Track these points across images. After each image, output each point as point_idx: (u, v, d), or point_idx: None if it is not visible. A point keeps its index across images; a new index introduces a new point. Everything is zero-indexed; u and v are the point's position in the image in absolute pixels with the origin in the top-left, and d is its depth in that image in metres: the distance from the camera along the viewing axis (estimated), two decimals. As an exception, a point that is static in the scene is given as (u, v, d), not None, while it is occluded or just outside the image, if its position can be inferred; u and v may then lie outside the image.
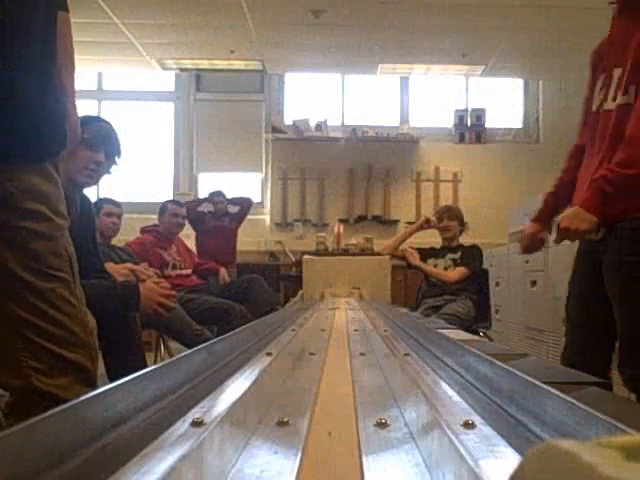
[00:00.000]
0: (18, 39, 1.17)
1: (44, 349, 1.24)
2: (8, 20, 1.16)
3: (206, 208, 5.60)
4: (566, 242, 2.09)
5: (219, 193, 5.59)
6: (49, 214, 1.27)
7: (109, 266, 3.38)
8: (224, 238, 5.43)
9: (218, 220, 5.51)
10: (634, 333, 1.90)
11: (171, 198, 5.25)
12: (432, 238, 4.34)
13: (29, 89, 1.19)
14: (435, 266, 4.01)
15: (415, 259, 4.01)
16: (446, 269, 3.97)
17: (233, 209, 5.66)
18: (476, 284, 3.92)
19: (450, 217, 4.14)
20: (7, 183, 1.20)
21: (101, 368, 2.46)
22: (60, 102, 1.26)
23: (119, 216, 3.86)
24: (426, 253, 4.13)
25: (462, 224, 4.14)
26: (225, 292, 4.02)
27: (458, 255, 3.98)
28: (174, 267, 4.11)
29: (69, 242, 1.33)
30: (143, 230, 4.28)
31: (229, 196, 5.66)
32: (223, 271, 4.37)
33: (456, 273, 3.89)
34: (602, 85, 2.08)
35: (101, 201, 3.88)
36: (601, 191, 1.85)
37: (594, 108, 2.09)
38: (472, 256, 3.99)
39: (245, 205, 5.75)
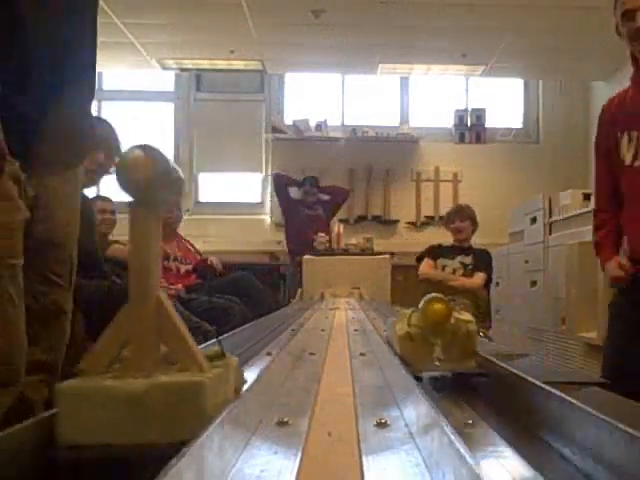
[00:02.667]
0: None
1: None
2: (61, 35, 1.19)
3: (296, 195, 5.68)
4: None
5: (311, 181, 5.64)
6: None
7: (115, 247, 3.51)
8: (319, 228, 5.47)
9: (310, 209, 5.57)
10: None
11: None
12: (438, 236, 4.34)
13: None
14: (444, 267, 4.00)
15: (438, 275, 3.99)
16: (454, 271, 3.96)
17: (323, 197, 5.72)
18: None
19: (462, 218, 4.11)
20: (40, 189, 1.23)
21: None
22: None
23: (112, 212, 3.84)
24: (436, 252, 4.10)
25: (474, 223, 4.11)
26: (220, 291, 4.02)
27: (469, 259, 3.97)
28: (175, 259, 4.14)
29: (75, 248, 1.36)
30: None
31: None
32: (213, 259, 4.36)
33: (479, 280, 3.90)
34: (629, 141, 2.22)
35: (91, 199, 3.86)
36: None
37: (627, 163, 2.20)
38: (487, 262, 4.01)
39: (335, 194, 5.75)
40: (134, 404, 0.45)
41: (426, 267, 4.07)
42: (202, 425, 0.42)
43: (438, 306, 0.84)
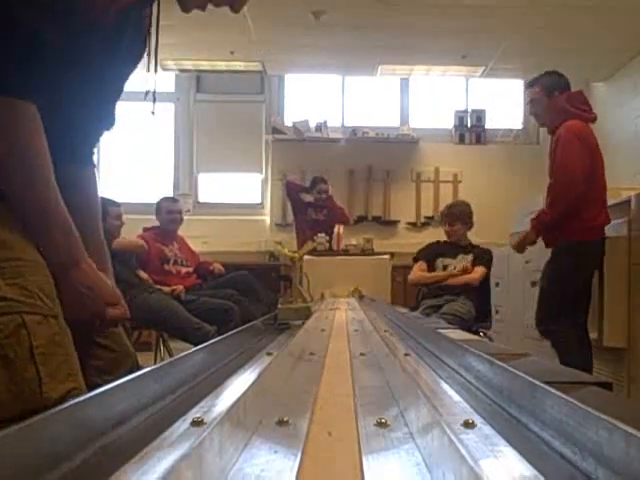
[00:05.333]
0: None
1: (101, 346, 1.27)
2: None
3: (306, 198, 5.81)
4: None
5: (322, 179, 5.78)
6: None
7: (118, 241, 3.60)
8: (325, 231, 5.55)
9: (319, 212, 5.76)
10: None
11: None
12: (437, 236, 4.31)
13: None
14: (445, 267, 3.94)
15: (429, 277, 3.95)
16: (455, 269, 3.90)
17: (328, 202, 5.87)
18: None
19: (451, 222, 4.04)
20: None
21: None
22: None
23: (121, 216, 3.88)
24: (434, 252, 4.04)
25: (466, 223, 4.04)
26: (220, 291, 4.02)
27: (470, 258, 3.93)
28: (175, 262, 4.13)
29: None
30: (145, 229, 4.30)
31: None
32: (216, 265, 4.38)
33: (478, 273, 3.85)
34: None
35: (106, 203, 3.84)
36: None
37: None
38: (488, 260, 3.96)
39: (334, 210, 5.85)
40: (295, 309, 1.66)
41: (416, 272, 4.00)
42: (309, 317, 1.75)
43: (354, 289, 3.71)
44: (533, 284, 4.06)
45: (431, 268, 4.02)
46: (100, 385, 1.19)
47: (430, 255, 4.06)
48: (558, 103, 3.35)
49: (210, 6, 1.21)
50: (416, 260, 4.13)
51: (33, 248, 1.09)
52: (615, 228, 3.22)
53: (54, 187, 1.01)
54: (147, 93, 1.25)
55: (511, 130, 6.86)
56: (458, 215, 4.06)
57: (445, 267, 3.97)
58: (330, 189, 5.87)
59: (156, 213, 4.31)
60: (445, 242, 4.14)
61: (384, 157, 6.62)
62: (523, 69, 6.25)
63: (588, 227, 3.13)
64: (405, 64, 6.14)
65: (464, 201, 4.35)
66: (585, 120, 3.33)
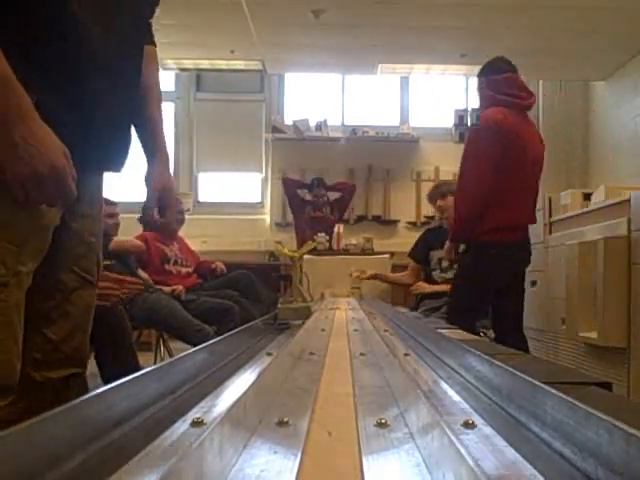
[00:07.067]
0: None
1: (45, 337, 1.25)
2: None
3: (306, 196, 5.81)
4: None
5: (319, 182, 5.75)
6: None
7: (115, 240, 3.63)
8: (324, 230, 5.54)
9: (319, 210, 5.72)
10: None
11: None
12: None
13: None
14: (440, 259, 3.76)
15: (426, 288, 3.79)
16: (451, 264, 3.67)
17: (333, 195, 5.86)
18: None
19: (442, 195, 3.82)
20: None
21: (93, 367, 2.47)
22: None
23: (117, 215, 3.90)
24: (426, 246, 3.89)
25: None
26: (220, 292, 4.02)
27: (461, 246, 3.58)
28: (175, 262, 4.14)
29: (100, 247, 1.38)
30: (145, 228, 4.30)
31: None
32: (218, 264, 4.39)
33: None
34: None
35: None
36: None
37: None
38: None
39: (346, 192, 5.87)
40: (295, 308, 1.65)
41: (414, 280, 3.87)
42: (309, 317, 1.74)
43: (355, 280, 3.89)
44: (533, 284, 4.07)
45: (425, 264, 3.89)
46: (33, 379, 1.18)
47: (422, 252, 3.91)
48: (482, 89, 3.17)
49: None
50: (412, 258, 4.01)
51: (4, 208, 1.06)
52: (615, 228, 3.22)
53: None
54: None
55: (511, 129, 6.85)
56: (450, 189, 3.79)
57: (440, 260, 3.78)
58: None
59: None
60: (435, 229, 3.98)
61: (384, 156, 6.62)
62: (523, 68, 6.24)
63: (495, 228, 2.95)
64: (405, 63, 6.14)
65: (448, 180, 4.24)
66: (513, 107, 3.06)
